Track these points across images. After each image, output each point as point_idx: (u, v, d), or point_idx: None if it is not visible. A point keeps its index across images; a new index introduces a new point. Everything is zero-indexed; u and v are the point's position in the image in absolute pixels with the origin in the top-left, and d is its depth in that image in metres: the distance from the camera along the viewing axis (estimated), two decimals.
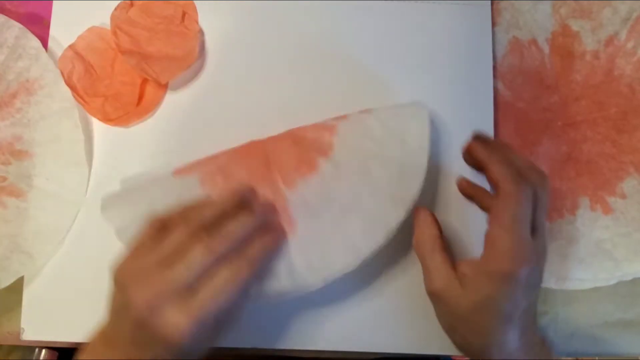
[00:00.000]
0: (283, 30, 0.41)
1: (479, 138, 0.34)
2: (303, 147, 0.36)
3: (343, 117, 0.38)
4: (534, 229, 0.31)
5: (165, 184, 0.36)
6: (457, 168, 0.40)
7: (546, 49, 0.42)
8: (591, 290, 0.40)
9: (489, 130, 0.40)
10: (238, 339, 0.38)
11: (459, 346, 0.34)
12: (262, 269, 0.31)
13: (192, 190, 0.35)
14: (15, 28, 0.40)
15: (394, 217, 0.34)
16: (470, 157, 0.34)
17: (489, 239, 0.30)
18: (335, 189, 0.35)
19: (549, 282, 0.40)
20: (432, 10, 0.41)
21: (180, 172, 0.37)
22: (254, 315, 0.38)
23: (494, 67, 0.41)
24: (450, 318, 0.33)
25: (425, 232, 0.34)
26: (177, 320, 0.26)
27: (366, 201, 0.35)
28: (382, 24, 0.41)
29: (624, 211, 0.40)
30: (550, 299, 0.40)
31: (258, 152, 0.37)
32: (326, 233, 0.34)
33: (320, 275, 0.33)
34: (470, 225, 0.39)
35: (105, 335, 0.30)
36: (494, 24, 0.42)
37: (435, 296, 0.32)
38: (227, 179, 0.35)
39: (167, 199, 0.34)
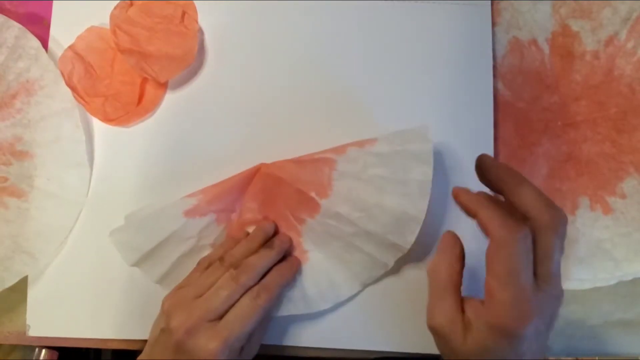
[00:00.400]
0: (282, 29, 0.41)
1: (482, 161, 0.31)
2: (304, 187, 0.37)
3: (343, 150, 0.37)
4: (537, 276, 0.28)
5: (179, 227, 0.37)
6: (456, 169, 0.40)
7: (546, 49, 0.42)
8: (591, 290, 0.40)
9: (488, 130, 0.40)
10: None
11: None
12: (278, 295, 0.35)
13: (210, 228, 0.38)
14: (15, 28, 0.40)
15: (392, 257, 0.37)
16: (458, 203, 0.31)
17: (487, 289, 0.28)
18: (337, 227, 0.37)
19: None
20: (432, 10, 0.41)
21: (191, 213, 0.37)
22: None
23: (494, 67, 0.41)
24: (449, 355, 0.31)
25: (445, 262, 0.31)
26: (208, 342, 0.31)
27: (365, 242, 0.36)
28: (382, 24, 0.41)
29: (624, 211, 0.40)
30: None
31: (265, 187, 0.38)
32: (333, 263, 0.38)
33: (329, 300, 0.38)
34: (466, 222, 0.39)
35: None
36: (494, 24, 0.42)
37: (435, 332, 0.30)
38: (241, 216, 0.38)
39: (184, 242, 0.37)
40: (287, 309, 0.37)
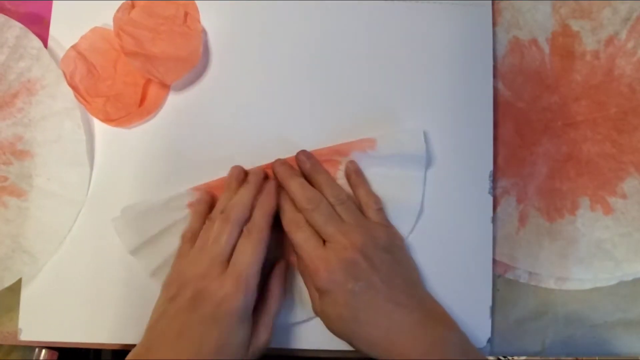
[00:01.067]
0: (285, 29, 0.41)
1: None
2: None
3: (346, 153, 0.39)
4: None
5: (182, 218, 0.38)
6: (456, 169, 0.40)
7: (546, 49, 0.42)
8: (591, 291, 0.40)
9: (488, 130, 0.40)
10: None
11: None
12: (269, 227, 0.35)
13: None
14: (16, 28, 0.40)
15: None
16: None
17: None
18: None
19: (549, 282, 0.40)
20: (432, 10, 0.41)
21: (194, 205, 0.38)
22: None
23: (494, 67, 0.41)
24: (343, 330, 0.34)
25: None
26: (222, 285, 0.32)
27: None
28: (383, 24, 0.41)
29: (624, 211, 0.40)
30: (550, 299, 0.40)
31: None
32: None
33: None
34: (464, 223, 0.40)
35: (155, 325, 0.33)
36: (494, 24, 0.42)
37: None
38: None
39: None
40: (288, 318, 0.37)
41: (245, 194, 0.36)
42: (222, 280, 0.32)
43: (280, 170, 0.37)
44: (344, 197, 0.37)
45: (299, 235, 0.35)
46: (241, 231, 0.34)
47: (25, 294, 0.39)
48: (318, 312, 0.35)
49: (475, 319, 0.39)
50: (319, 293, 0.34)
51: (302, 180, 0.37)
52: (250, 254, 0.33)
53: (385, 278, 0.34)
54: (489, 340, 0.39)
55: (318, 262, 0.33)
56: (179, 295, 0.32)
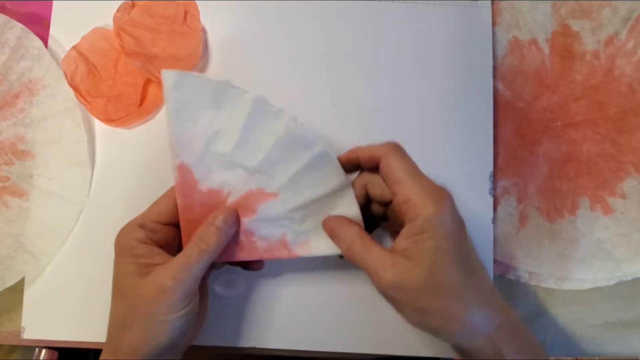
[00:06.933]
0: (284, 29, 0.42)
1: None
2: None
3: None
4: None
5: None
6: (455, 168, 0.40)
7: (546, 49, 0.42)
8: (591, 290, 0.40)
9: (488, 130, 0.40)
10: (238, 338, 0.38)
11: (438, 329, 0.29)
12: None
13: None
14: (17, 28, 0.40)
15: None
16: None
17: (404, 203, 0.30)
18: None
19: (549, 282, 0.40)
20: (432, 10, 0.41)
21: None
22: (253, 315, 0.38)
23: (494, 67, 0.41)
24: (414, 300, 0.29)
25: (347, 236, 0.32)
26: None
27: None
28: (383, 24, 0.41)
29: (624, 211, 0.40)
30: (550, 299, 0.40)
31: None
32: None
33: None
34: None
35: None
36: (494, 24, 0.42)
37: (392, 289, 0.29)
38: None
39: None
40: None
41: None
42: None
43: None
44: None
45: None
46: None
47: (28, 294, 0.39)
48: None
49: None
50: (429, 223, 0.29)
51: None
52: None
53: None
54: None
55: (435, 187, 0.31)
56: None
